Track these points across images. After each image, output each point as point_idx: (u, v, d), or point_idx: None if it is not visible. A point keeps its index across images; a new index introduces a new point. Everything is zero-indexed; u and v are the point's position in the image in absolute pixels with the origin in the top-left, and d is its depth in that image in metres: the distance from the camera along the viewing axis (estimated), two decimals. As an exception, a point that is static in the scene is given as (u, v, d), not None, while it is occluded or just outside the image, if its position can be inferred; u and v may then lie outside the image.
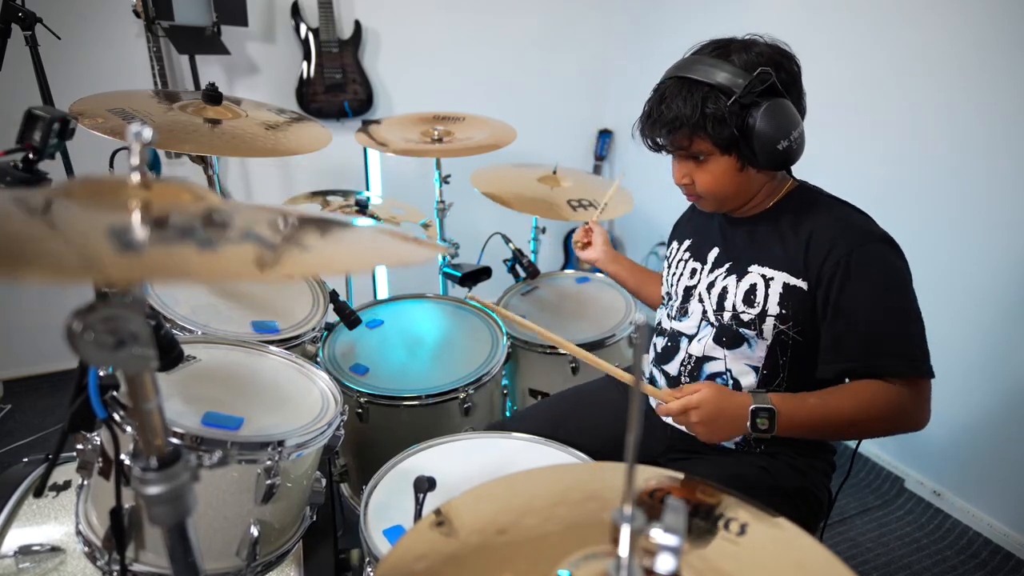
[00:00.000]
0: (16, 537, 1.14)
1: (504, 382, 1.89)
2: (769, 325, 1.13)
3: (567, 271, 2.28)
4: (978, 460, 2.02)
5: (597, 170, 3.32)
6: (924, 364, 1.08)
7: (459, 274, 2.02)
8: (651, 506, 0.71)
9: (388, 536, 1.06)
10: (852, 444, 1.30)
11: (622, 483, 0.50)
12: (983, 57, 1.85)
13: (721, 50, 1.10)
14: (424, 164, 2.36)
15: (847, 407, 1.09)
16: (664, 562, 0.51)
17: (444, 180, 2.21)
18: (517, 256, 2.12)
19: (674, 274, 1.32)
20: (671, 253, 1.37)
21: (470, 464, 1.21)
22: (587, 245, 1.68)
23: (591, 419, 1.39)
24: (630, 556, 0.52)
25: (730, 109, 1.04)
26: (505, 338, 1.77)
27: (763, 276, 1.14)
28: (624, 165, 3.37)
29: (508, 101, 3.05)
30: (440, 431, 1.32)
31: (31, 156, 1.16)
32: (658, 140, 1.14)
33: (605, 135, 3.34)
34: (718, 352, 1.20)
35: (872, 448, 2.32)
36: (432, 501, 1.03)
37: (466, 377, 1.62)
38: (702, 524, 0.67)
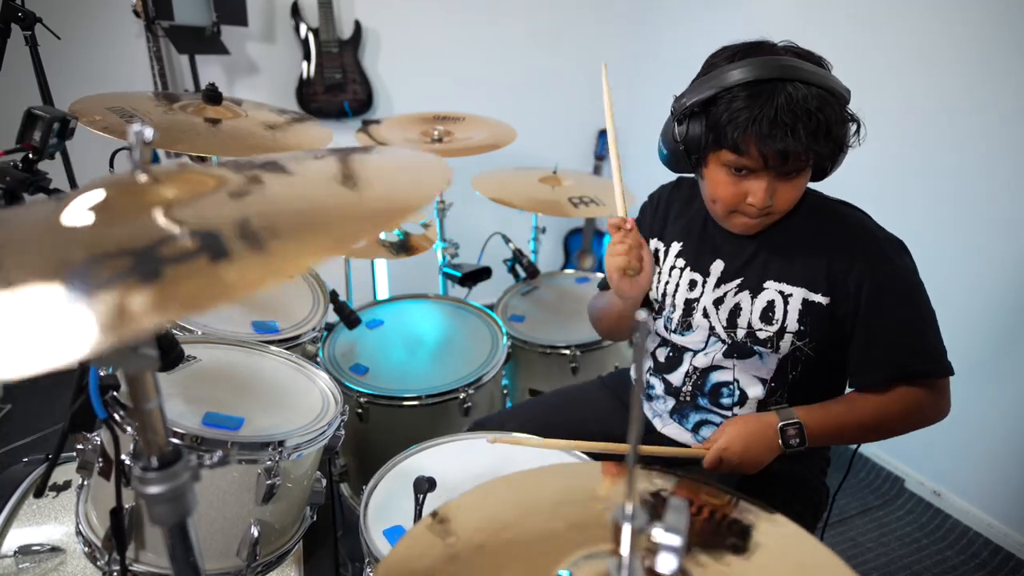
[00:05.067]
0: (16, 537, 1.14)
1: (504, 382, 1.89)
2: (787, 341, 1.10)
3: (567, 271, 2.29)
4: (978, 460, 2.02)
5: (597, 170, 3.32)
6: (946, 362, 1.09)
7: (459, 274, 2.02)
8: (653, 506, 0.71)
9: (388, 536, 1.06)
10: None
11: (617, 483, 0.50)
12: (983, 57, 1.85)
13: (804, 54, 1.01)
14: (424, 164, 2.36)
15: (871, 411, 1.09)
16: (665, 562, 0.51)
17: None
18: (517, 256, 2.12)
19: (667, 283, 1.22)
20: (656, 253, 1.25)
21: (470, 464, 1.21)
22: (638, 266, 1.14)
23: (581, 418, 1.38)
24: (631, 556, 0.52)
25: (850, 118, 0.99)
26: (505, 338, 1.77)
27: (781, 292, 1.09)
28: (624, 164, 3.37)
29: (508, 101, 3.05)
30: (440, 431, 1.32)
31: (31, 156, 1.16)
32: (788, 148, 0.95)
33: (605, 135, 3.34)
34: (727, 363, 1.16)
35: (872, 448, 2.32)
36: (432, 501, 1.03)
37: (466, 377, 1.62)
38: (707, 526, 0.67)
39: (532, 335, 1.86)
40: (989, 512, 2.00)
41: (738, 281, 1.14)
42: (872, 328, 1.06)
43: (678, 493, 0.73)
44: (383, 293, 2.62)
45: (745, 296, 1.13)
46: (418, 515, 1.02)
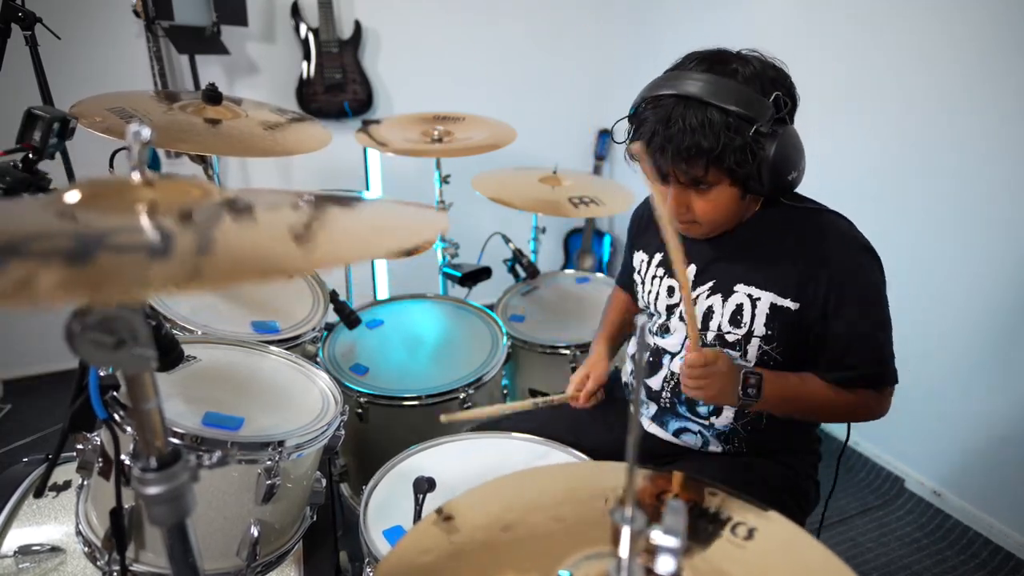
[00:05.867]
0: (16, 537, 1.14)
1: (504, 382, 1.89)
2: (754, 346, 1.11)
3: (567, 271, 2.28)
4: (978, 460, 2.02)
5: (597, 170, 3.32)
6: (893, 371, 1.14)
7: (459, 274, 2.02)
8: (652, 507, 0.71)
9: (388, 536, 1.06)
10: (841, 437, 1.32)
11: (620, 483, 0.50)
12: (983, 57, 1.85)
13: (721, 66, 1.00)
14: (424, 164, 2.36)
15: (821, 394, 1.12)
16: (664, 563, 0.51)
17: (444, 180, 2.21)
18: (517, 256, 2.12)
19: (650, 292, 1.25)
20: (640, 266, 1.29)
21: (470, 464, 1.21)
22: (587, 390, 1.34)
23: (578, 420, 1.38)
24: (631, 557, 0.52)
25: (751, 139, 0.97)
26: (505, 338, 1.77)
27: (749, 296, 1.10)
28: (624, 164, 3.37)
29: (508, 101, 3.05)
30: (440, 431, 1.32)
31: (31, 156, 1.16)
32: (663, 168, 1.02)
33: (605, 135, 3.34)
34: None
35: (872, 448, 2.32)
36: (432, 501, 1.03)
37: (466, 377, 1.62)
38: (708, 528, 0.67)
39: (532, 335, 1.86)
40: (989, 512, 2.00)
41: (711, 284, 1.15)
42: (836, 334, 1.09)
43: (651, 484, 0.73)
44: (383, 293, 2.62)
45: (717, 299, 1.14)
46: (418, 515, 1.02)
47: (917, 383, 2.14)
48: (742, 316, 1.11)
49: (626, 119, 1.09)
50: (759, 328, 1.10)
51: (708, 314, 1.14)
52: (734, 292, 1.12)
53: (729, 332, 1.12)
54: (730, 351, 1.12)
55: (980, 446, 2.01)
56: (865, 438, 2.35)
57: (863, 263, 1.08)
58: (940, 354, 2.06)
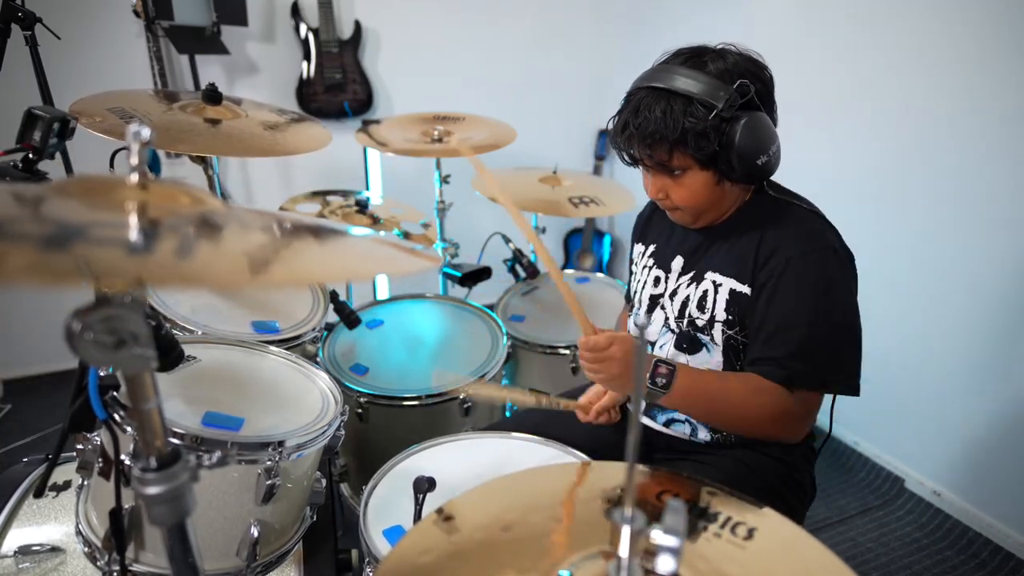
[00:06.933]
0: (16, 537, 1.14)
1: (504, 382, 1.89)
2: (718, 331, 1.14)
3: (567, 271, 2.29)
4: (978, 460, 2.02)
5: (597, 170, 3.32)
6: (831, 376, 1.07)
7: (459, 274, 2.02)
8: (653, 506, 0.71)
9: (388, 536, 1.06)
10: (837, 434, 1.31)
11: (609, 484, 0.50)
12: (983, 57, 1.85)
13: (695, 59, 1.06)
14: (424, 164, 2.36)
15: (738, 393, 1.09)
16: (664, 563, 0.51)
17: (444, 180, 2.21)
18: (517, 256, 2.12)
19: (639, 280, 1.30)
20: (636, 257, 1.34)
21: (470, 464, 1.21)
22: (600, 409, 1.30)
23: (578, 420, 1.39)
24: (630, 556, 0.52)
25: (711, 123, 1.01)
26: (505, 338, 1.77)
27: (714, 282, 1.15)
28: (622, 165, 3.37)
29: (508, 101, 3.05)
30: (440, 431, 1.32)
31: (31, 156, 1.16)
32: (634, 154, 1.11)
33: (605, 135, 3.34)
34: (681, 358, 1.20)
35: (872, 448, 2.32)
36: (432, 501, 1.03)
37: (466, 377, 1.62)
38: (706, 527, 0.67)
39: (532, 335, 1.86)
40: (989, 512, 2.00)
41: (691, 274, 1.20)
42: (763, 321, 1.09)
43: (651, 484, 0.73)
44: (383, 293, 2.62)
45: (693, 288, 1.18)
46: (418, 515, 1.02)
47: (917, 383, 2.14)
48: (706, 301, 1.15)
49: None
50: (720, 313, 1.14)
51: (685, 302, 1.19)
52: (703, 279, 1.17)
53: (698, 317, 1.17)
54: (701, 335, 1.17)
55: (980, 446, 2.01)
56: (865, 438, 2.35)
57: (816, 257, 1.07)
58: (941, 354, 2.06)
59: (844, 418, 2.41)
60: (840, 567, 0.61)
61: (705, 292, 1.16)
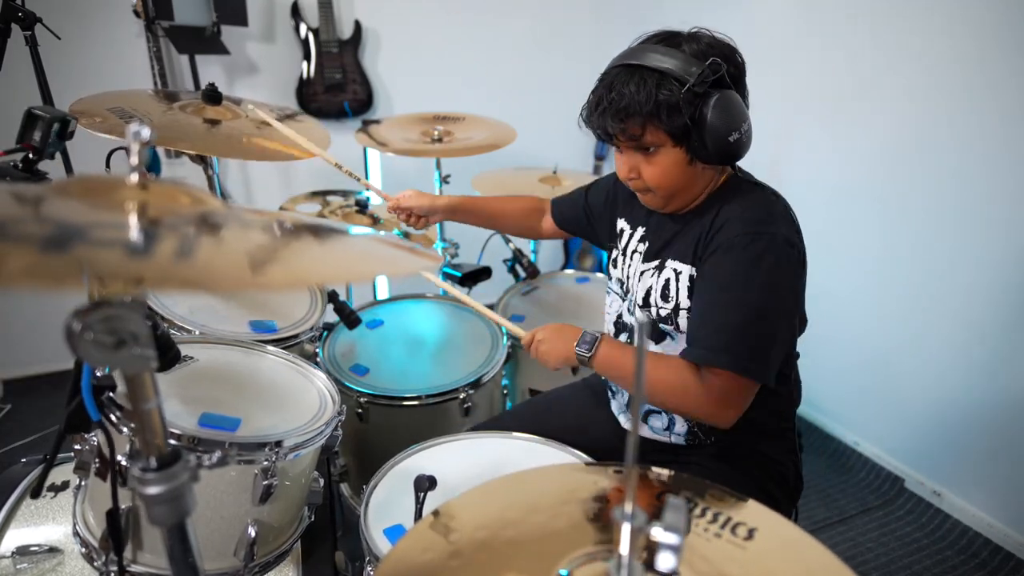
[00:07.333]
0: (14, 538, 1.14)
1: (504, 382, 1.89)
2: (683, 318, 1.14)
3: (567, 271, 2.28)
4: (978, 460, 2.02)
5: (597, 170, 3.32)
6: (744, 363, 1.05)
7: (459, 274, 2.02)
8: (651, 507, 0.71)
9: (388, 536, 1.06)
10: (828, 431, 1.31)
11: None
12: (983, 57, 1.85)
13: (669, 39, 1.09)
14: (424, 164, 2.36)
15: (658, 369, 1.11)
16: (665, 560, 0.51)
17: (444, 180, 2.21)
18: (517, 256, 2.12)
19: (629, 265, 1.26)
20: (621, 233, 1.31)
21: (470, 464, 1.21)
22: (408, 213, 1.51)
23: (578, 419, 1.40)
24: (630, 555, 0.52)
25: (684, 97, 1.02)
26: (505, 338, 1.77)
27: (675, 271, 1.15)
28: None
29: (508, 101, 3.05)
30: (440, 431, 1.32)
31: (31, 156, 1.16)
32: (608, 129, 1.09)
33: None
34: (650, 347, 1.19)
35: (872, 448, 2.32)
36: (432, 501, 1.03)
37: (466, 377, 1.62)
38: (706, 528, 0.67)
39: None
40: (989, 512, 2.00)
41: (656, 263, 1.19)
42: (695, 303, 1.11)
43: (646, 485, 0.73)
44: (383, 293, 2.62)
45: (655, 278, 1.18)
46: (418, 514, 1.02)
47: (918, 383, 2.14)
48: (669, 291, 1.15)
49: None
50: (684, 300, 1.13)
51: (649, 291, 1.18)
52: (665, 267, 1.17)
53: (661, 307, 1.16)
54: (664, 326, 1.17)
55: (980, 446, 2.01)
56: (865, 438, 2.34)
57: (758, 244, 1.05)
58: (941, 354, 2.06)
59: (844, 418, 2.41)
60: (840, 567, 0.61)
61: (668, 281, 1.16)
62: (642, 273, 1.21)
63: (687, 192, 1.13)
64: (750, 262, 1.05)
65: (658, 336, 1.19)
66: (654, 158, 1.10)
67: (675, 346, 1.17)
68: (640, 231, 1.26)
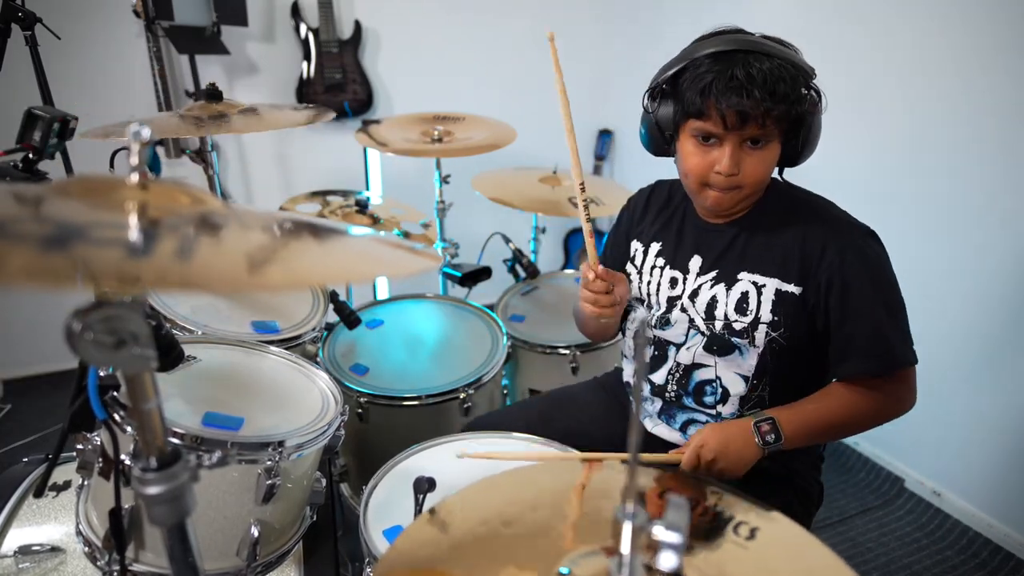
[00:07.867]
0: (16, 537, 1.14)
1: (504, 382, 1.89)
2: (761, 332, 1.12)
3: (567, 271, 2.29)
4: (978, 460, 2.02)
5: (597, 170, 3.32)
6: (911, 352, 1.10)
7: (459, 274, 2.02)
8: (657, 505, 0.71)
9: (388, 536, 1.06)
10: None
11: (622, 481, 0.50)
12: (982, 57, 1.85)
13: (772, 38, 1.06)
14: (424, 164, 2.36)
15: (844, 408, 1.11)
16: (666, 559, 0.51)
17: (444, 180, 2.21)
18: (517, 256, 2.12)
19: (649, 282, 1.25)
20: (635, 255, 1.28)
21: (470, 464, 1.20)
22: (610, 313, 1.17)
23: (579, 420, 1.38)
24: (632, 553, 0.52)
25: (809, 96, 1.02)
26: (505, 338, 1.77)
27: (754, 284, 1.12)
28: (624, 165, 3.37)
29: (508, 101, 3.05)
30: (440, 431, 1.32)
31: (31, 156, 1.16)
32: (746, 108, 0.98)
33: (605, 135, 3.34)
34: (708, 360, 1.18)
35: (872, 448, 2.32)
36: (432, 501, 1.03)
37: (466, 377, 1.62)
38: (710, 527, 0.67)
39: (532, 335, 1.86)
40: (989, 512, 2.00)
41: (713, 274, 1.16)
42: (843, 323, 1.09)
43: (654, 484, 0.73)
44: (383, 293, 2.62)
45: (720, 288, 1.15)
46: (418, 515, 1.02)
47: (917, 383, 2.14)
48: (748, 304, 1.12)
49: (654, 94, 1.13)
50: (766, 314, 1.11)
51: (712, 303, 1.15)
52: (738, 281, 1.13)
53: (736, 320, 1.13)
54: (737, 339, 1.14)
55: (980, 446, 2.01)
56: (865, 438, 2.34)
57: (861, 245, 1.08)
58: (940, 354, 2.05)
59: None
60: (840, 567, 0.61)
61: (745, 294, 1.12)
62: (697, 289, 1.17)
63: (757, 195, 1.13)
64: (875, 264, 1.08)
65: (725, 349, 1.16)
66: (760, 152, 1.05)
67: (742, 360, 1.15)
68: (655, 247, 1.25)
